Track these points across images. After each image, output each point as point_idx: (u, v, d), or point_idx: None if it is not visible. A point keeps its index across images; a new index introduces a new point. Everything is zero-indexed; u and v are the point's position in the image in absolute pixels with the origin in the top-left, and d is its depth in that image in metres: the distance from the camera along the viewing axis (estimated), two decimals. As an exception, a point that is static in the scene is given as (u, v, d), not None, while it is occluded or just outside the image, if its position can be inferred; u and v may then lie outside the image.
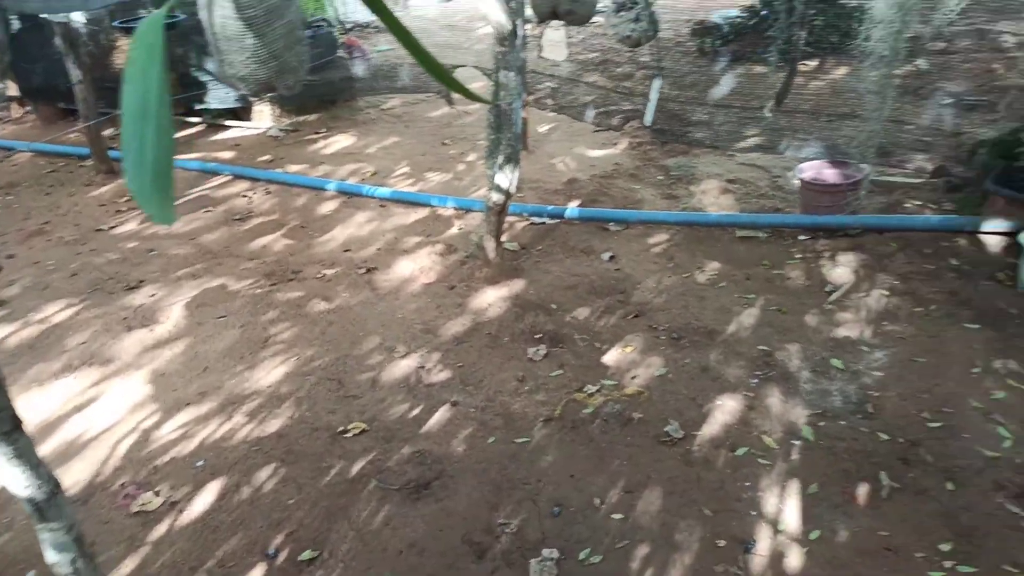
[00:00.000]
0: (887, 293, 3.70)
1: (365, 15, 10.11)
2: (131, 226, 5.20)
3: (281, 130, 6.82)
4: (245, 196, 5.62)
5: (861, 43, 8.05)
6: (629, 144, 6.31)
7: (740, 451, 2.80)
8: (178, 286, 4.33)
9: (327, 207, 5.40)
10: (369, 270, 4.45)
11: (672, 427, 2.94)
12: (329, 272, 4.44)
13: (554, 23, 4.89)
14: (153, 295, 4.25)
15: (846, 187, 4.32)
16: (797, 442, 2.82)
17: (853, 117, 5.72)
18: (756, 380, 3.19)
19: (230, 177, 5.96)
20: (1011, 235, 3.87)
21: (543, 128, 6.81)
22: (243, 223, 5.20)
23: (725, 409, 3.03)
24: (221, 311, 4.05)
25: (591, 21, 2.87)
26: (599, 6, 3.03)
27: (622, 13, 2.69)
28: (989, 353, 3.18)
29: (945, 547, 2.35)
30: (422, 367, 3.52)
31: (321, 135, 6.86)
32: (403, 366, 3.53)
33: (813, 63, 7.92)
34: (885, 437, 2.77)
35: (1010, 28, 6.23)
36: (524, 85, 6.06)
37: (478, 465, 2.86)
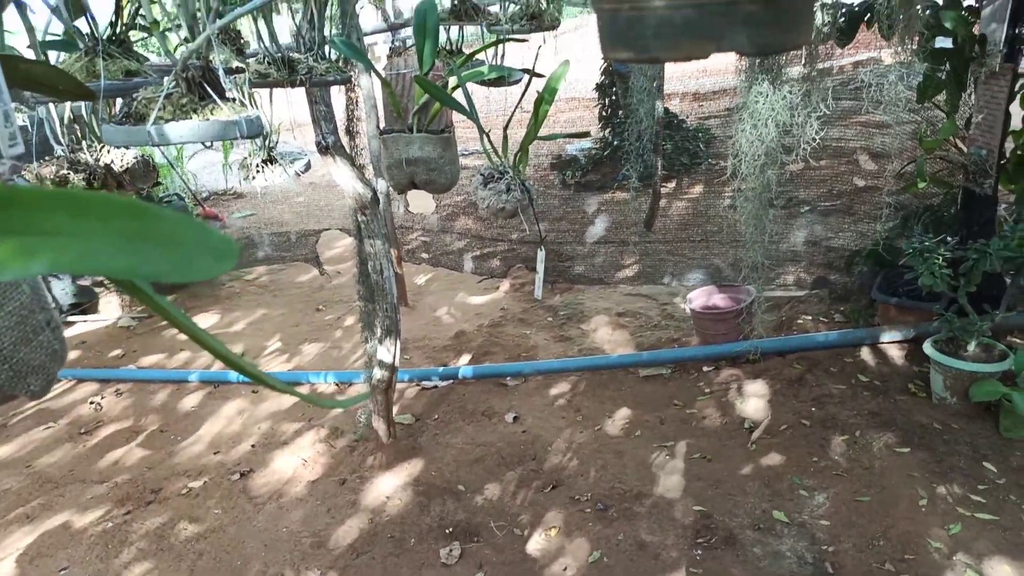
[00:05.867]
0: (807, 423, 3.53)
1: (219, 182, 9.74)
2: (-52, 460, 4.37)
3: (133, 318, 6.19)
4: (92, 402, 4.91)
5: (711, 162, 8.47)
6: (512, 286, 6.14)
7: (704, 650, 2.41)
8: (8, 534, 3.56)
9: (190, 402, 4.79)
10: (243, 474, 3.86)
11: (621, 631, 2.52)
12: (196, 484, 3.82)
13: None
14: (-27, 552, 3.47)
15: (738, 312, 4.24)
16: (763, 626, 2.47)
17: (727, 240, 5.81)
18: (700, 551, 2.85)
19: (74, 382, 5.25)
20: (910, 342, 3.86)
21: (420, 280, 6.56)
22: (90, 436, 4.49)
23: (675, 595, 2.66)
24: (63, 561, 3.32)
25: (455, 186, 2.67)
26: (462, 174, 2.84)
27: (491, 185, 2.47)
28: (930, 479, 3.01)
29: None
30: (317, 595, 2.95)
31: (179, 317, 6.27)
32: (294, 598, 2.96)
33: (671, 185, 8.21)
34: (855, 603, 2.48)
35: (851, 133, 6.71)
36: (395, 240, 5.83)
37: None
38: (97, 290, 6.26)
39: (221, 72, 1.49)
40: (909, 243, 3.63)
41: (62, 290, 6.01)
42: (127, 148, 2.77)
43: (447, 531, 3.21)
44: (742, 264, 4.05)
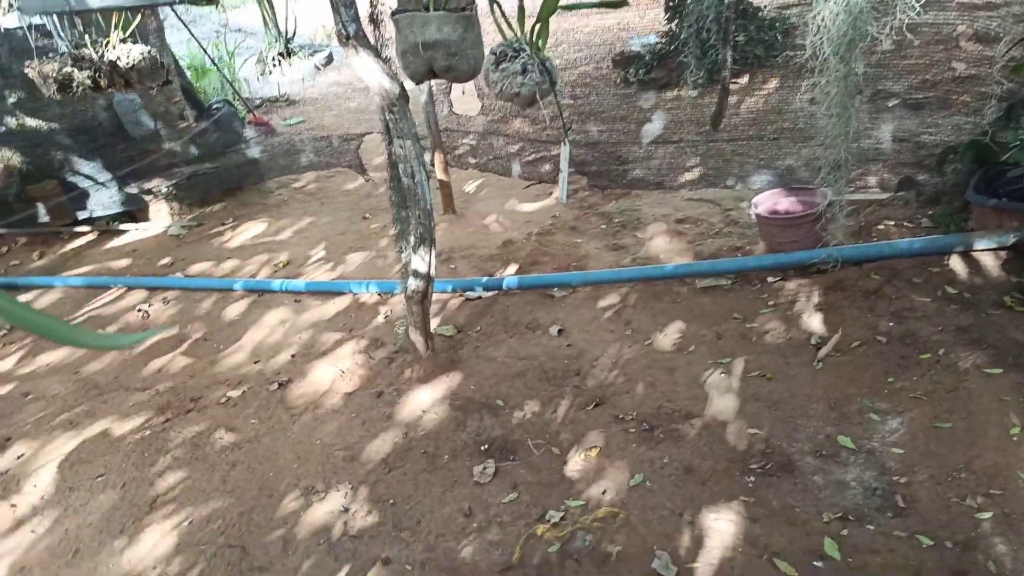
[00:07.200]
0: (883, 340, 3.16)
1: (273, 90, 9.53)
2: (5, 365, 4.44)
3: (183, 227, 6.15)
4: (140, 310, 4.90)
5: (788, 54, 7.73)
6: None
7: (752, 588, 2.19)
8: (51, 439, 3.59)
9: (234, 310, 4.72)
10: (282, 384, 3.78)
11: (660, 562, 2.31)
12: (235, 394, 3.76)
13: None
14: (21, 455, 3.51)
15: (810, 218, 3.82)
16: (820, 563, 2.22)
17: (803, 137, 5.28)
18: (753, 478, 2.59)
19: (124, 290, 5.25)
20: (1009, 250, 3.39)
21: (469, 187, 6.27)
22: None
23: (722, 525, 2.43)
24: (100, 467, 3.32)
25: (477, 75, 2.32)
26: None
27: (504, 66, 2.13)
28: (1024, 404, 2.65)
29: None
30: (346, 510, 2.84)
31: (228, 226, 6.19)
32: (322, 512, 2.86)
33: (743, 80, 7.57)
34: (928, 542, 2.19)
35: (950, 15, 5.95)
36: (439, 144, 5.52)
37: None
38: (146, 197, 6.20)
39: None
40: (1015, 135, 3.12)
41: (110, 198, 5.98)
42: (130, 40, 2.52)
43: (482, 448, 3.04)
44: (820, 163, 3.60)
